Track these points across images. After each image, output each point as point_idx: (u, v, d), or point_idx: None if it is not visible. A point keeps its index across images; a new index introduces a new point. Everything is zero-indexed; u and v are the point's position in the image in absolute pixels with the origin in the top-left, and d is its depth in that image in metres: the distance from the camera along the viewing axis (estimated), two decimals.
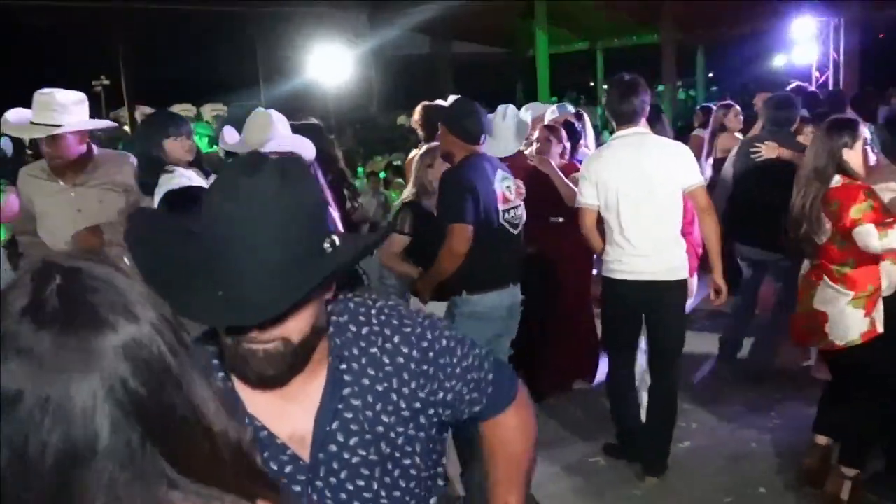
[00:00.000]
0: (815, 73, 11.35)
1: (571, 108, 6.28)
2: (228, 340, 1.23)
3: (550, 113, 6.15)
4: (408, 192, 4.28)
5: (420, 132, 5.52)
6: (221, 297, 1.17)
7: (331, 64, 11.30)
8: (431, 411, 1.43)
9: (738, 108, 7.23)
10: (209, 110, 14.60)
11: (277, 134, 3.60)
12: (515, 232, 3.99)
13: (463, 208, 3.69)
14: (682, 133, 8.71)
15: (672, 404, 4.14)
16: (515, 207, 3.99)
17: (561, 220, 5.09)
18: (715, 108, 7.54)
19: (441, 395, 1.44)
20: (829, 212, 3.60)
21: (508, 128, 5.05)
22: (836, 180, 3.61)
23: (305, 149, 3.52)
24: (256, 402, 1.31)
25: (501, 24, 19.47)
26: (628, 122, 4.00)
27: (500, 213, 3.87)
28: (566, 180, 5.10)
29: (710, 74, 25.39)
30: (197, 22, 16.44)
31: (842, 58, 11.16)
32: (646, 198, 3.91)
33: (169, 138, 3.59)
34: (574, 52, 22.45)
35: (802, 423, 4.27)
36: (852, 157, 3.62)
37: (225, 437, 0.88)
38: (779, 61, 13.22)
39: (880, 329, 3.65)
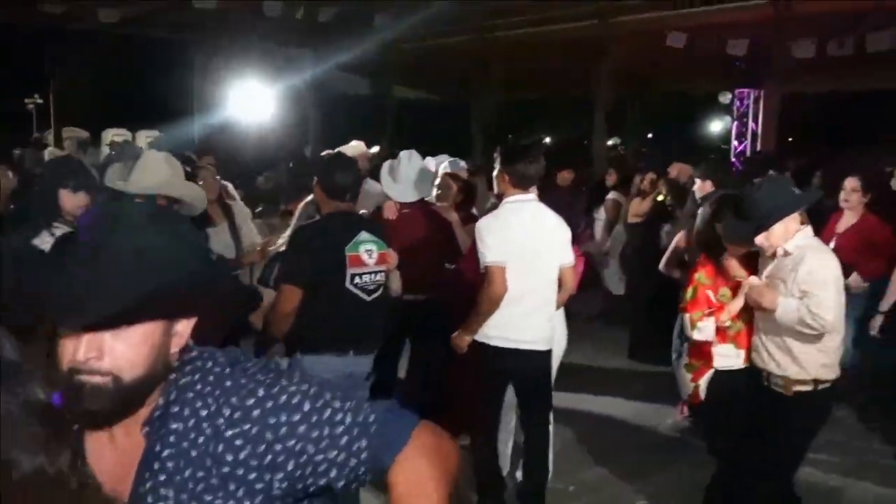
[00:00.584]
0: (734, 142, 11.85)
1: (463, 164, 6.33)
2: (64, 369, 1.23)
3: (442, 168, 6.24)
4: (282, 241, 4.29)
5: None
6: (62, 297, 1.19)
7: (260, 99, 11.30)
8: (255, 476, 1.31)
9: (652, 173, 7.55)
10: (144, 136, 14.43)
11: (167, 180, 3.61)
12: (369, 298, 3.78)
13: (294, 270, 3.64)
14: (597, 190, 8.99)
15: (544, 465, 4.28)
16: (372, 273, 3.80)
17: (453, 266, 5.09)
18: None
19: (272, 457, 1.31)
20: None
21: (408, 175, 5.08)
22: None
23: (196, 199, 3.51)
24: (97, 448, 1.27)
25: (447, 71, 19.80)
26: (530, 185, 4.09)
27: (348, 277, 3.72)
28: (464, 232, 5.10)
29: (650, 135, 26.09)
30: (139, 45, 16.29)
31: (760, 128, 11.70)
32: (537, 266, 4.04)
33: (66, 189, 3.53)
34: (524, 102, 22.99)
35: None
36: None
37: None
38: (714, 126, 13.70)
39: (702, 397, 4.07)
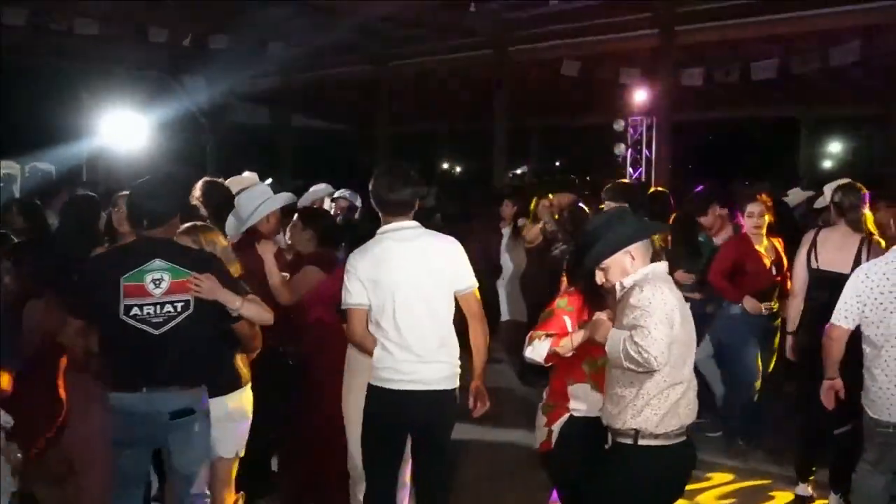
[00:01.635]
0: (630, 170, 12.05)
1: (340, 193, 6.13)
2: None
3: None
4: None
5: (202, 210, 5.01)
6: None
7: (138, 126, 10.83)
8: None
9: (548, 199, 7.57)
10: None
11: None
12: (156, 332, 3.50)
13: (70, 300, 3.61)
14: None
15: None
16: (159, 304, 3.51)
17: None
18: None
19: None
20: None
21: (237, 207, 4.89)
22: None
23: None
24: None
25: (346, 101, 19.65)
26: (400, 213, 3.75)
27: (122, 308, 3.47)
28: (276, 271, 4.66)
29: (557, 163, 26.32)
30: (25, 74, 15.52)
31: (653, 154, 11.93)
32: (421, 298, 3.69)
33: None
34: (416, 135, 22.98)
35: None
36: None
37: None
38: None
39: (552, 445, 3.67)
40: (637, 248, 3.29)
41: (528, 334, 3.63)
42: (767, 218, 5.61)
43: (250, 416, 4.03)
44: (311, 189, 7.23)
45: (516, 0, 12.28)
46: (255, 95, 19.99)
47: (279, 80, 18.02)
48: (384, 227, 3.76)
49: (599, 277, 3.32)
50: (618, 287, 3.29)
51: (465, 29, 13.60)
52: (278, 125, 20.47)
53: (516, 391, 7.11)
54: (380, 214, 3.81)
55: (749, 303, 5.53)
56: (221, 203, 5.23)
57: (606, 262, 3.28)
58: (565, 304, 3.66)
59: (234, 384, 3.92)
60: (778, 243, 5.75)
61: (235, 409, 3.91)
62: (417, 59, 15.50)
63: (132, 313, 3.49)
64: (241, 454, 4.01)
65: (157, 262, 3.53)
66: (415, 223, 3.79)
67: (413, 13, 12.57)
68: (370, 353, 3.79)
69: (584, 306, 3.61)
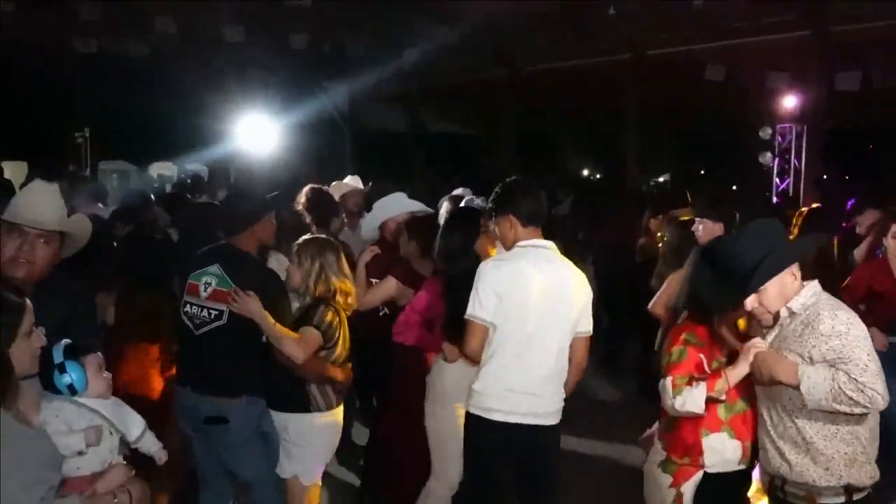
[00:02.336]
0: (776, 180, 11.32)
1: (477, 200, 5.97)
2: None
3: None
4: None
5: (306, 217, 5.11)
6: None
7: (269, 131, 11.12)
8: None
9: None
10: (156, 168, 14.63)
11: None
12: (196, 332, 3.72)
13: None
14: None
15: None
16: (202, 307, 3.71)
17: (387, 312, 4.75)
18: None
19: None
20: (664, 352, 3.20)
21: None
22: (684, 315, 3.23)
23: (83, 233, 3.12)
24: None
25: (480, 105, 19.61)
26: (537, 226, 3.57)
27: (182, 304, 3.77)
28: (361, 275, 4.78)
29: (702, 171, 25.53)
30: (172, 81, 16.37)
31: (803, 166, 11.15)
32: (548, 326, 3.45)
33: None
34: (548, 138, 22.68)
35: None
36: None
37: None
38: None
39: None
40: (797, 266, 2.88)
41: (664, 381, 3.05)
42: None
43: (323, 443, 3.86)
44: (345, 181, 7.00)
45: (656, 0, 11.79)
46: (392, 100, 20.29)
47: (415, 84, 18.18)
48: (522, 242, 3.55)
49: (752, 303, 2.87)
50: (782, 313, 2.86)
51: (602, 31, 13.21)
52: (413, 129, 20.65)
53: None
54: (517, 226, 3.58)
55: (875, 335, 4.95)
56: (324, 209, 5.32)
57: (766, 288, 2.83)
58: (696, 339, 3.11)
59: (299, 405, 3.78)
60: None
61: (298, 431, 3.78)
62: (553, 62, 15.19)
63: (185, 309, 3.77)
64: (308, 482, 3.83)
65: (214, 268, 3.73)
66: (550, 244, 3.59)
67: (547, 14, 12.32)
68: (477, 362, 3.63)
69: (712, 339, 3.14)
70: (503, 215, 3.58)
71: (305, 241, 3.94)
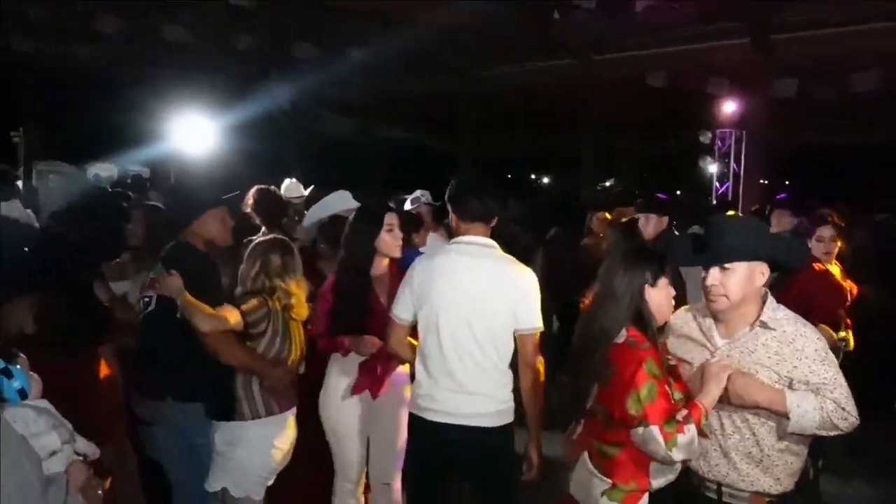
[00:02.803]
0: (716, 184, 11.46)
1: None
2: None
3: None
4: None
5: (255, 218, 5.08)
6: None
7: (206, 131, 10.93)
8: None
9: (603, 213, 7.38)
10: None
11: None
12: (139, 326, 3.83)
13: None
14: None
15: None
16: (141, 299, 3.83)
17: None
18: None
19: None
20: (603, 376, 2.76)
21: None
22: (622, 334, 2.76)
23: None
24: None
25: (431, 113, 19.58)
26: (473, 221, 3.46)
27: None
28: None
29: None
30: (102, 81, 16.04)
31: (742, 170, 11.31)
32: (473, 323, 3.33)
33: None
34: (501, 148, 22.71)
35: None
36: (653, 296, 2.83)
37: None
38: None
39: None
40: (766, 268, 2.75)
41: (648, 430, 2.62)
42: (838, 244, 5.09)
43: (252, 454, 3.63)
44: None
45: (602, 8, 11.89)
46: (341, 106, 20.17)
47: (364, 91, 18.10)
48: (456, 239, 3.51)
49: (715, 279, 2.73)
50: (757, 325, 2.72)
51: (549, 39, 13.29)
52: (363, 136, 20.56)
53: None
54: (457, 222, 3.51)
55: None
56: (273, 209, 5.24)
57: (737, 265, 2.70)
58: (655, 369, 2.70)
59: (225, 412, 3.63)
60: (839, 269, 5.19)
61: (223, 440, 3.62)
62: (500, 69, 15.24)
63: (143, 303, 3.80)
64: (238, 495, 3.63)
65: (159, 264, 3.75)
66: (490, 241, 3.47)
67: (494, 23, 12.35)
68: (408, 360, 3.64)
69: (660, 360, 2.79)
70: (450, 211, 3.56)
71: (255, 242, 3.88)
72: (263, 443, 3.64)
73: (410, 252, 4.61)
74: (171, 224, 3.96)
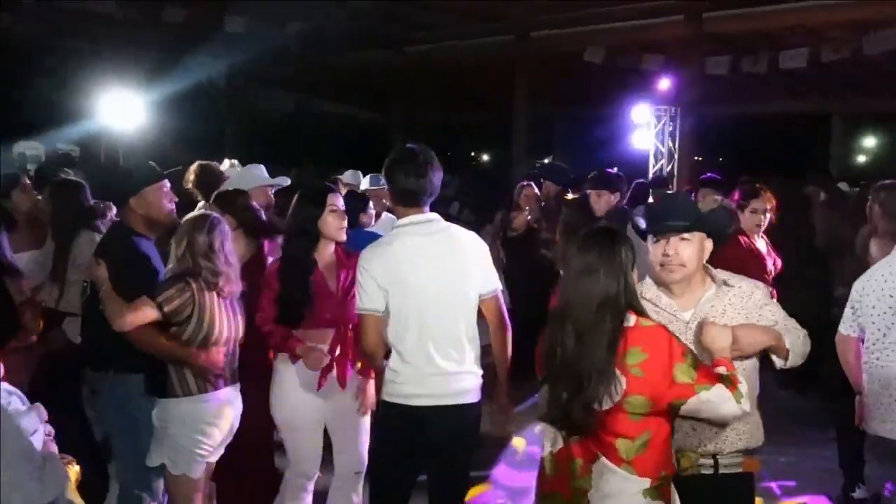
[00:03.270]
0: (651, 160, 11.64)
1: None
2: None
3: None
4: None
5: (197, 195, 5.09)
6: None
7: (134, 107, 10.62)
8: None
9: (532, 187, 7.52)
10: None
11: None
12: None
13: None
14: None
15: None
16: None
17: None
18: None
19: None
20: (625, 366, 2.58)
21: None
22: (630, 318, 2.65)
23: None
24: None
25: (368, 86, 19.36)
26: (418, 204, 3.42)
27: None
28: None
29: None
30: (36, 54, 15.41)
31: (677, 147, 11.51)
32: (447, 300, 3.35)
33: None
34: (437, 122, 22.62)
35: None
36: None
37: None
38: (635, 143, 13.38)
39: None
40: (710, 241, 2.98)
41: (713, 390, 2.57)
42: (768, 217, 5.30)
43: (185, 431, 3.63)
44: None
45: None
46: (275, 80, 19.78)
47: (298, 64, 17.79)
48: (401, 221, 3.45)
49: (673, 249, 2.84)
50: (720, 287, 2.94)
51: (485, 13, 13.25)
52: (299, 110, 20.22)
53: None
54: (393, 205, 3.51)
55: None
56: (214, 185, 5.16)
57: (695, 235, 2.88)
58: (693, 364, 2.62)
59: (160, 389, 3.66)
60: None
61: (158, 416, 3.66)
62: (436, 44, 15.13)
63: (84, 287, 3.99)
64: (176, 472, 3.65)
65: None
66: (435, 215, 3.46)
67: None
68: (378, 366, 3.51)
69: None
70: (388, 189, 3.55)
71: (183, 220, 3.84)
72: (195, 420, 3.64)
73: (359, 233, 4.60)
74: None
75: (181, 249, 3.64)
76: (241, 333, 3.82)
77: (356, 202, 5.15)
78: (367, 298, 3.37)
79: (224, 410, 3.71)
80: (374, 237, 3.91)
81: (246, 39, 14.31)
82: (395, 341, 3.38)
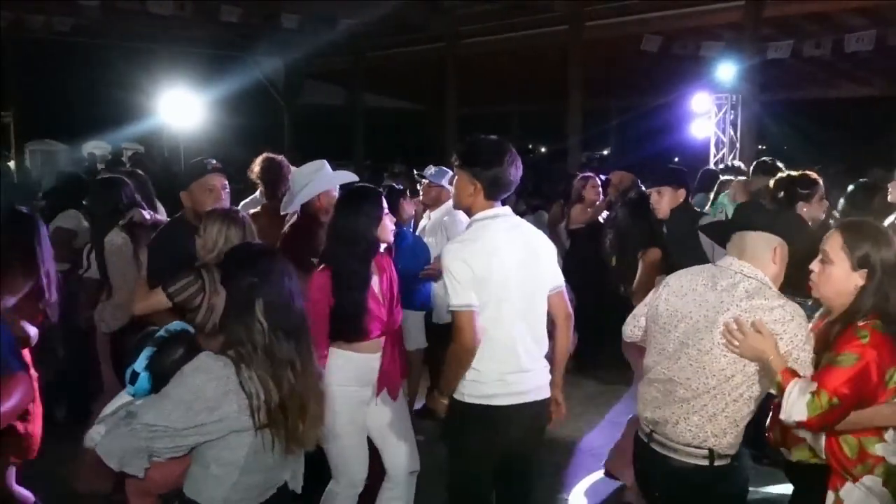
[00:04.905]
0: (713, 150, 11.38)
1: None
2: None
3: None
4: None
5: (261, 188, 5.09)
6: None
7: (193, 106, 10.74)
8: None
9: (596, 179, 7.30)
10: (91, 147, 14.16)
11: None
12: None
13: None
14: None
15: None
16: None
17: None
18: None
19: None
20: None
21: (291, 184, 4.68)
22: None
23: None
24: None
25: (418, 79, 19.35)
26: (503, 196, 3.33)
27: None
28: None
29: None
30: (93, 55, 15.74)
31: (738, 135, 11.21)
32: (529, 296, 3.28)
33: None
34: (489, 114, 22.49)
35: None
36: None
37: None
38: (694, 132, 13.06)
39: None
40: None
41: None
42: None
43: None
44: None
45: None
46: (329, 75, 19.91)
47: (351, 58, 17.86)
48: (484, 214, 3.29)
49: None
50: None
51: (538, 4, 13.10)
52: (351, 104, 20.28)
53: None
54: (477, 193, 3.29)
55: None
56: (277, 179, 5.23)
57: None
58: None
59: None
60: None
61: None
62: (488, 36, 15.02)
63: None
64: None
65: None
66: (509, 209, 3.37)
67: None
68: (465, 370, 3.27)
69: None
70: (466, 181, 3.30)
71: (208, 212, 3.87)
72: None
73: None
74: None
75: (209, 242, 3.72)
76: None
77: (392, 197, 5.21)
78: (464, 294, 3.18)
79: None
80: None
81: (300, 36, 14.43)
82: (483, 338, 3.23)
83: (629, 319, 3.28)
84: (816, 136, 19.34)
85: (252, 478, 2.52)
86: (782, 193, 4.86)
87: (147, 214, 4.93)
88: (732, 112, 11.21)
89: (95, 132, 16.54)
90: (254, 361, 2.42)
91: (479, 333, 3.19)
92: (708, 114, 11.34)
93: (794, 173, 5.03)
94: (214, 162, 4.41)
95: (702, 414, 2.80)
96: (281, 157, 5.53)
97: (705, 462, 2.81)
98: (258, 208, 5.20)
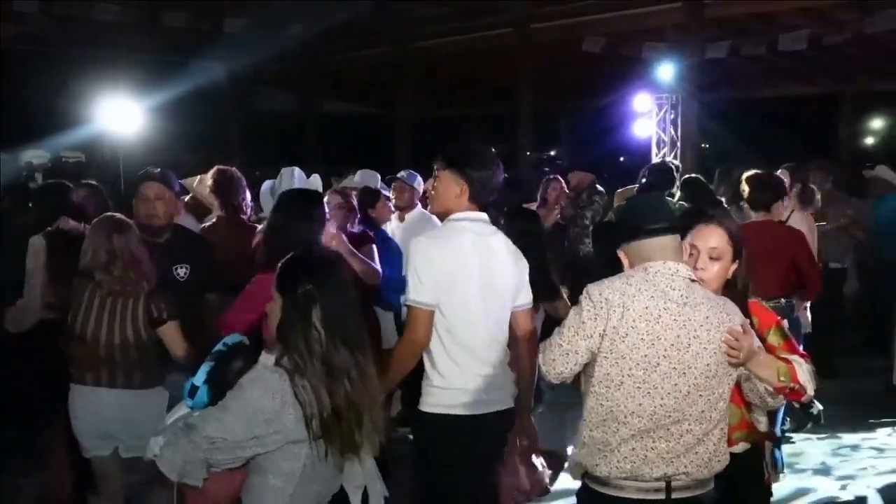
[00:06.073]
0: (654, 149, 11.53)
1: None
2: None
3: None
4: None
5: (214, 201, 5.12)
6: None
7: (134, 113, 10.60)
8: None
9: (559, 181, 7.31)
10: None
11: None
12: None
13: None
14: None
15: None
16: None
17: None
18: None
19: None
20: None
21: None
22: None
23: None
24: None
25: (373, 84, 19.30)
26: (485, 199, 3.30)
27: None
28: (360, 255, 4.53)
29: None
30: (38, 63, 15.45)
31: (679, 134, 11.38)
32: (496, 301, 3.24)
33: None
34: (443, 118, 22.51)
35: None
36: None
37: None
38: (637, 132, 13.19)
39: None
40: None
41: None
42: None
43: None
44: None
45: None
46: (281, 80, 19.75)
47: (300, 63, 17.74)
48: (461, 215, 3.26)
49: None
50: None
51: (484, 6, 13.17)
52: (302, 110, 20.14)
53: None
54: (463, 195, 3.27)
55: None
56: (231, 191, 5.26)
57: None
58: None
59: None
60: None
61: None
62: (437, 39, 15.06)
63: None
64: None
65: None
66: (483, 214, 3.31)
67: None
68: (410, 367, 3.27)
69: None
70: (451, 181, 3.27)
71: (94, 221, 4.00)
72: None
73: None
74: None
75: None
76: None
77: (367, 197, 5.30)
78: (425, 292, 3.14)
79: None
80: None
81: (247, 40, 14.31)
82: (447, 342, 3.20)
83: (558, 356, 2.72)
84: (760, 135, 19.72)
85: (310, 487, 2.53)
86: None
87: (77, 225, 4.87)
88: (672, 112, 11.37)
89: (34, 140, 16.12)
90: (308, 370, 2.42)
91: (430, 333, 3.17)
92: (649, 113, 11.49)
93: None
94: (156, 170, 4.39)
95: (713, 437, 2.70)
96: (233, 169, 5.51)
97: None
98: (213, 219, 5.15)
